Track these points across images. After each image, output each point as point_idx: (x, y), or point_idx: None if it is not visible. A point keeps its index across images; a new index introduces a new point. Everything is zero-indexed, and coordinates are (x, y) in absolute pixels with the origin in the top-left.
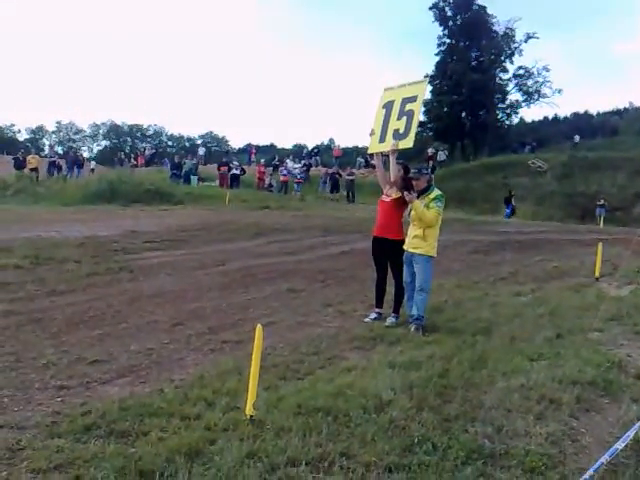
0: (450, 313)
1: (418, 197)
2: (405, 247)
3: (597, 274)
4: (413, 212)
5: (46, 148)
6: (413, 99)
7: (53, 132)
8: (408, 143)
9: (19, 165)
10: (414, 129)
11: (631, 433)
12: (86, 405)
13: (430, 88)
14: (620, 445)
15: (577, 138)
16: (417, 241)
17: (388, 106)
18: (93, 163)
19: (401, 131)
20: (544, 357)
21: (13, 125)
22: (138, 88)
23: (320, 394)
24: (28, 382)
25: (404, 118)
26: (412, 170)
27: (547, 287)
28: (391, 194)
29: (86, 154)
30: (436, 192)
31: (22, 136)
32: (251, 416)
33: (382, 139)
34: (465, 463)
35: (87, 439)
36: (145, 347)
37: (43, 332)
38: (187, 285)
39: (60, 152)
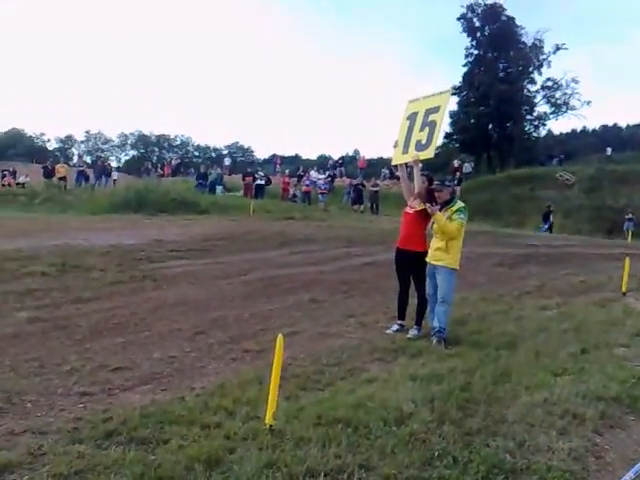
0: (474, 326)
1: (441, 209)
2: (428, 259)
3: (624, 289)
4: (435, 224)
5: (75, 157)
6: (436, 110)
7: (82, 142)
8: (429, 154)
9: (48, 174)
10: (435, 140)
11: None
12: (108, 412)
13: (457, 99)
14: None
15: (609, 150)
16: (440, 253)
17: (412, 117)
18: (115, 174)
19: (423, 142)
20: (568, 372)
21: (43, 134)
22: (166, 99)
23: (340, 405)
24: (51, 388)
25: (426, 129)
26: (435, 182)
27: (573, 301)
28: (415, 206)
29: (114, 164)
30: (459, 204)
31: (51, 145)
32: (271, 426)
33: (405, 150)
34: (486, 478)
35: (108, 445)
36: (167, 355)
37: (67, 339)
38: (210, 294)
39: (88, 161)
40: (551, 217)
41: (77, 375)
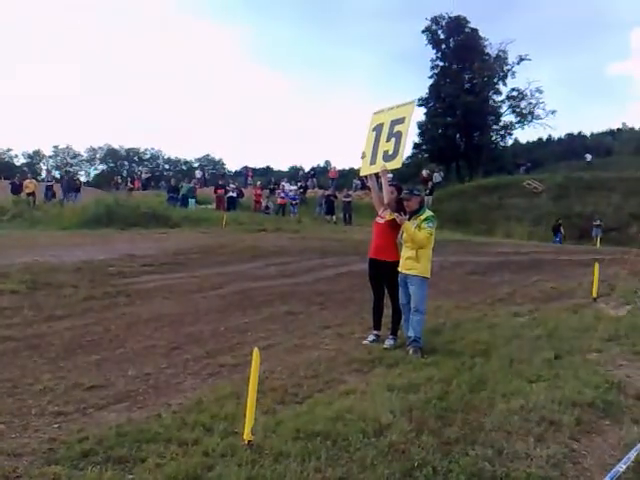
0: (448, 335)
1: (410, 218)
2: (399, 269)
3: (595, 294)
4: (405, 234)
5: (43, 172)
6: (401, 121)
7: (50, 156)
8: (397, 164)
9: (16, 190)
10: (402, 150)
11: (632, 455)
12: (83, 431)
13: (424, 110)
14: (621, 467)
15: (589, 157)
16: (410, 262)
17: (378, 129)
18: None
19: (390, 152)
20: (543, 378)
21: (10, 150)
22: (135, 112)
23: (319, 418)
24: (25, 408)
25: (393, 139)
26: (404, 191)
27: (545, 308)
28: (385, 216)
29: (83, 178)
30: (427, 213)
31: (19, 160)
32: (249, 441)
33: (373, 161)
34: None
35: (84, 466)
36: (143, 372)
37: (40, 358)
38: (185, 309)
39: (57, 176)
40: (561, 229)
41: (51, 394)
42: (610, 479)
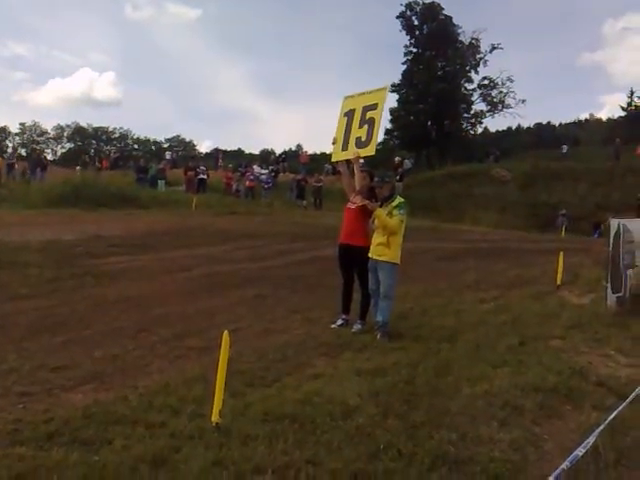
0: (416, 320)
1: (381, 205)
2: (370, 254)
3: (559, 282)
4: (376, 220)
5: (9, 150)
6: (374, 107)
7: (17, 134)
8: (370, 151)
9: None
10: (375, 137)
11: (591, 439)
12: (49, 412)
13: (397, 97)
14: (580, 451)
15: (565, 148)
16: (381, 248)
17: (349, 114)
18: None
19: (363, 139)
20: (507, 364)
21: None
22: (105, 90)
23: (287, 401)
24: None
25: (365, 126)
26: (375, 178)
27: (510, 295)
28: (357, 201)
29: (50, 157)
30: (398, 200)
31: None
32: (217, 423)
33: (344, 147)
34: (430, 470)
35: (49, 447)
36: (109, 353)
37: (5, 338)
38: (153, 291)
39: (23, 154)
40: (601, 226)
41: (16, 375)
42: (569, 463)
